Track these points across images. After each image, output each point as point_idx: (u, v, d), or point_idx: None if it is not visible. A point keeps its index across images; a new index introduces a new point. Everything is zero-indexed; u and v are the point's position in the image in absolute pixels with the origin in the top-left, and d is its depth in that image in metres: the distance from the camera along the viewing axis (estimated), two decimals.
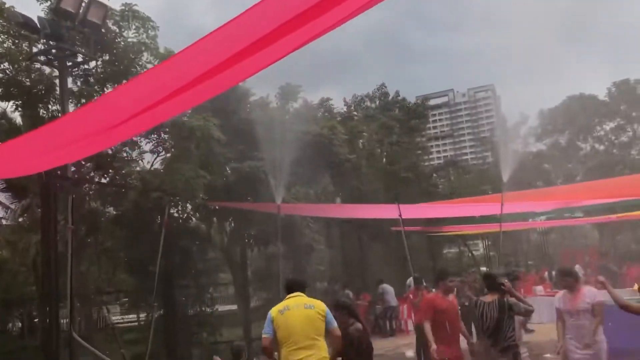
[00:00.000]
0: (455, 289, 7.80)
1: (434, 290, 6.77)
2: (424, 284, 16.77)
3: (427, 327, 6.19)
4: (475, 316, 5.52)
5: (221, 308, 17.85)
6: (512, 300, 5.46)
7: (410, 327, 16.11)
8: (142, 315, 15.78)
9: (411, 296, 12.30)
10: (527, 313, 5.80)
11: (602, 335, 6.38)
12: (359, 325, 5.96)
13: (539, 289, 18.90)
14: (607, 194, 11.88)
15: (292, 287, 5.52)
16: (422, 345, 10.44)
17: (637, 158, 29.52)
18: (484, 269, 36.45)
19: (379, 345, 15.04)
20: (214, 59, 3.67)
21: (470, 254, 36.74)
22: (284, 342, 5.23)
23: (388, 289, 17.32)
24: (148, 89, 4.19)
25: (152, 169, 11.90)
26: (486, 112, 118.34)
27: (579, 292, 6.44)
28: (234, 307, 18.47)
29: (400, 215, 11.43)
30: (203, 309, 15.53)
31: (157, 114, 4.33)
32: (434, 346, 6.03)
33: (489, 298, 5.54)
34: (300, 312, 5.24)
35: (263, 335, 5.42)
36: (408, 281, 17.19)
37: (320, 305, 5.29)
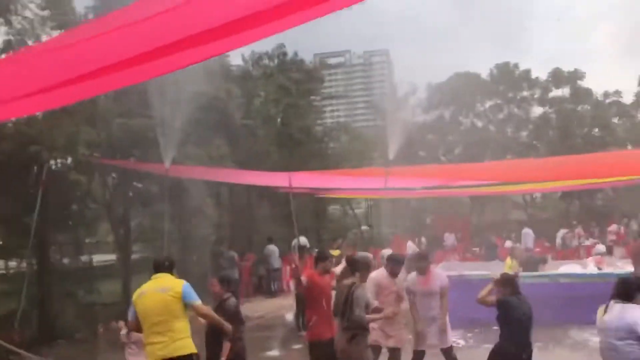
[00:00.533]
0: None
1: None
2: (308, 247, 17.25)
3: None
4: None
5: (99, 258, 17.38)
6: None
7: (293, 288, 16.68)
8: (13, 264, 14.91)
9: (294, 262, 12.65)
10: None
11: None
12: (233, 300, 6.22)
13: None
14: (483, 176, 12.82)
15: (156, 267, 5.41)
16: (300, 311, 10.88)
17: (509, 136, 31.93)
18: (365, 227, 38.39)
19: (261, 306, 15.44)
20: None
21: (353, 213, 38.27)
22: (142, 327, 5.27)
23: (273, 250, 17.64)
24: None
25: (29, 119, 11.02)
26: (380, 76, 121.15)
27: (430, 274, 6.97)
28: (113, 257, 17.91)
29: (290, 185, 11.59)
30: (78, 264, 15.06)
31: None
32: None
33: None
34: (153, 297, 5.19)
35: (128, 320, 5.56)
36: (293, 242, 17.67)
37: (176, 287, 5.19)
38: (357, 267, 5.99)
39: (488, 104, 32.97)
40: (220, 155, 14.43)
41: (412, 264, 7.37)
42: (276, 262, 17.63)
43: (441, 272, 7.47)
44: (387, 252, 20.41)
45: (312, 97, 26.61)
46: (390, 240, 27.60)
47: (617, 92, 31.02)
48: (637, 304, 4.59)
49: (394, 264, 6.96)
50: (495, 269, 13.59)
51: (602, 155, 18.32)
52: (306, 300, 6.62)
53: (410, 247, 20.65)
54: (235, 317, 6.01)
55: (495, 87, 32.09)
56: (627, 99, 30.71)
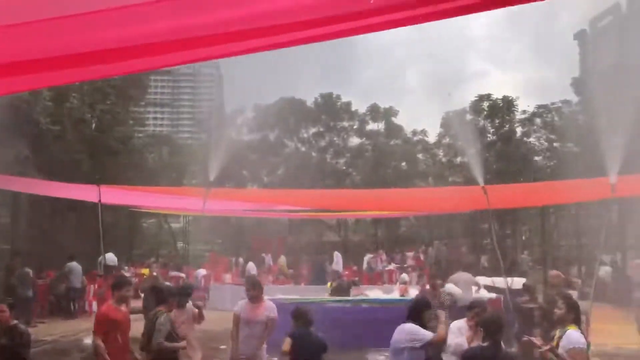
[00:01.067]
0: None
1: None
2: (116, 264, 16.14)
3: (99, 342, 5.93)
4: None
5: None
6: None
7: (95, 309, 15.50)
8: None
9: (96, 285, 11.79)
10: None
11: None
12: (21, 327, 5.76)
13: (228, 277, 20.03)
14: (301, 203, 13.22)
15: None
16: None
17: (329, 162, 33.53)
18: (181, 244, 37.37)
19: (57, 329, 14.05)
20: None
21: (168, 227, 37.03)
22: None
23: (74, 267, 16.29)
24: None
25: None
26: (208, 89, 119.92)
27: (261, 303, 6.89)
28: None
29: (99, 200, 10.82)
30: None
31: None
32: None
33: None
34: None
35: None
36: (100, 259, 16.48)
37: None
38: (162, 297, 5.69)
39: (311, 130, 34.39)
40: (20, 162, 12.95)
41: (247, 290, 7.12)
42: (77, 281, 16.26)
43: (271, 303, 7.26)
44: (201, 272, 20.19)
45: (133, 105, 25.39)
46: (207, 258, 27.24)
47: (423, 131, 34.44)
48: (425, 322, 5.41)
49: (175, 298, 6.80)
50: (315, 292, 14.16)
51: (404, 190, 20.13)
52: (94, 327, 6.17)
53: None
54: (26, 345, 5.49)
55: (318, 115, 33.64)
56: (431, 138, 34.27)
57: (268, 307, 6.91)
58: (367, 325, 10.22)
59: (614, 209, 14.76)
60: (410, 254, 26.90)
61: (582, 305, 8.77)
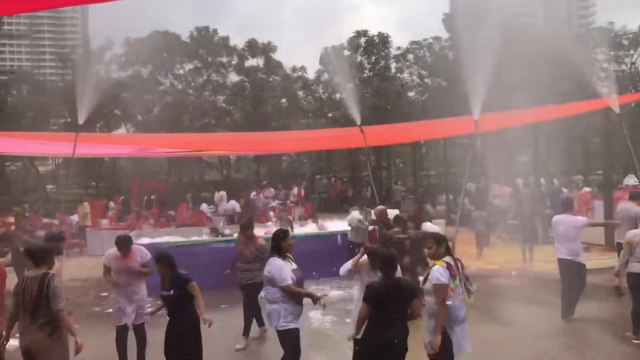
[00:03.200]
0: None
1: None
2: None
3: None
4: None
5: None
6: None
7: None
8: None
9: None
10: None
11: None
12: None
13: (105, 222, 19.20)
14: (179, 145, 12.86)
15: None
16: None
17: (207, 100, 32.58)
18: (51, 187, 35.04)
19: None
20: None
21: (36, 171, 34.54)
22: None
23: None
24: None
25: None
26: (71, 21, 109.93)
27: (131, 252, 6.93)
28: None
29: None
30: None
31: None
32: None
33: (33, 273, 5.11)
34: None
35: None
36: None
37: None
38: (44, 256, 5.24)
39: (188, 67, 33.00)
40: None
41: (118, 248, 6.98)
42: None
43: (142, 248, 7.27)
44: (75, 217, 19.17)
45: None
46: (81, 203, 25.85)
47: (303, 68, 34.38)
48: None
49: None
50: (189, 234, 14.00)
51: (285, 133, 20.31)
52: None
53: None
54: None
55: (195, 50, 32.25)
56: (311, 74, 34.35)
57: (139, 252, 7.02)
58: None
59: (477, 142, 15.98)
60: (295, 189, 27.37)
61: (449, 230, 9.59)
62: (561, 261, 8.49)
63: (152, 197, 24.60)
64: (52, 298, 4.93)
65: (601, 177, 19.90)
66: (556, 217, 8.75)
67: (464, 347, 5.35)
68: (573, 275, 8.45)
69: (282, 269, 5.56)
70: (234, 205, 20.78)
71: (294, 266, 5.73)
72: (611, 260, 9.68)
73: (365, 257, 6.13)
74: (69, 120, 28.87)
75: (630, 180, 21.77)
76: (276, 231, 5.92)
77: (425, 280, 5.42)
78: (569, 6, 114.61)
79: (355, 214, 11.76)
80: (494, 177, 19.94)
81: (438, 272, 5.27)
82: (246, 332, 7.87)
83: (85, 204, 16.45)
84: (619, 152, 19.44)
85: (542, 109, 13.98)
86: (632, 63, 30.20)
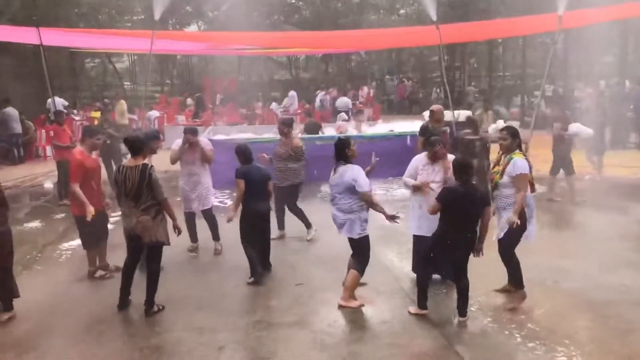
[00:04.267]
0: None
1: (81, 145, 6.61)
2: (65, 109, 15.79)
3: (77, 189, 6.19)
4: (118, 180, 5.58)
5: None
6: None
7: (50, 153, 15.42)
8: None
9: (51, 132, 11.60)
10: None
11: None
12: None
13: (181, 118, 19.92)
14: (249, 42, 12.86)
15: None
16: (62, 180, 10.29)
17: None
18: (127, 84, 36.27)
19: (10, 175, 14.04)
20: None
21: (113, 68, 35.72)
22: None
23: (11, 113, 15.82)
24: None
25: None
26: None
27: (196, 144, 7.37)
28: None
29: (41, 44, 10.29)
30: None
31: None
32: (90, 208, 6.14)
33: (131, 162, 5.55)
34: None
35: None
36: (48, 102, 16.02)
37: None
38: (141, 147, 5.64)
39: None
40: None
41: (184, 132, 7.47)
42: (17, 127, 15.88)
43: (204, 140, 7.76)
44: (154, 113, 19.98)
45: None
46: (157, 100, 26.75)
47: None
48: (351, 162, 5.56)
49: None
50: (262, 131, 14.36)
51: (355, 32, 19.68)
52: (70, 175, 6.34)
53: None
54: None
55: None
56: None
57: (202, 144, 7.49)
58: (321, 160, 10.65)
59: (559, 40, 15.06)
60: (364, 90, 27.07)
61: (523, 133, 9.43)
62: None
63: (223, 95, 25.08)
64: (156, 188, 5.42)
65: None
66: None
67: (532, 237, 5.60)
68: None
69: (363, 175, 5.49)
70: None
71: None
72: None
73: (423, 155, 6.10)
74: (142, 17, 29.20)
75: None
76: (338, 139, 5.75)
77: (502, 173, 5.47)
78: None
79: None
80: (575, 78, 18.92)
81: (521, 163, 5.41)
82: (280, 226, 8.12)
83: (122, 101, 16.65)
84: None
85: (632, 5, 12.84)
86: None
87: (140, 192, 5.41)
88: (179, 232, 5.74)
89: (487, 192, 5.67)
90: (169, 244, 5.69)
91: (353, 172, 5.45)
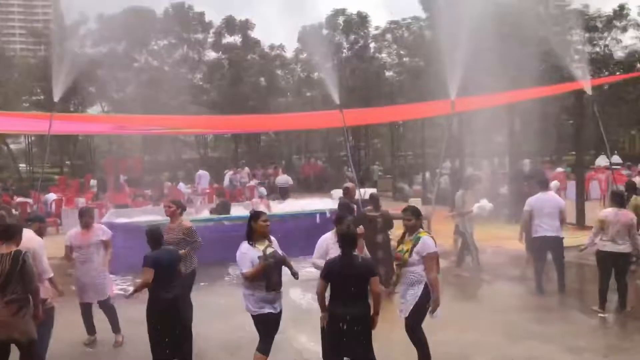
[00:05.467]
0: None
1: None
2: None
3: None
4: None
5: None
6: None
7: None
8: None
9: None
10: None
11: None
12: None
13: (82, 200, 18.99)
14: (154, 125, 12.76)
15: None
16: None
17: (183, 77, 32.18)
18: (23, 166, 34.40)
19: None
20: None
21: (7, 149, 33.88)
22: None
23: None
24: None
25: None
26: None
27: (92, 228, 7.13)
28: None
29: None
30: None
31: None
32: None
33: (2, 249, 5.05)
34: None
35: None
36: None
37: None
38: (14, 233, 5.22)
39: (162, 43, 32.48)
40: None
41: (79, 218, 7.14)
42: None
43: (102, 226, 7.45)
44: (51, 196, 18.92)
45: None
46: (56, 182, 25.46)
47: (281, 46, 34.18)
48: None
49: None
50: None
51: (264, 117, 20.27)
52: None
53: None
54: None
55: (170, 27, 31.71)
56: (289, 53, 34.15)
57: (99, 231, 7.19)
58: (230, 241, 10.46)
59: (454, 122, 16.19)
60: (271, 170, 27.37)
61: (425, 209, 9.79)
62: (544, 238, 8.69)
63: (126, 176, 24.34)
64: (28, 277, 4.98)
65: (574, 158, 20.31)
66: (539, 196, 8.90)
67: (438, 315, 5.67)
68: (556, 250, 8.80)
69: (243, 254, 5.42)
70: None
71: (271, 249, 5.50)
72: (582, 238, 9.94)
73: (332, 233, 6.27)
74: (41, 97, 28.31)
75: (602, 161, 22.22)
76: (250, 213, 5.81)
77: (411, 252, 5.58)
78: None
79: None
80: (470, 157, 20.20)
81: (430, 241, 5.60)
82: None
83: None
84: (592, 133, 19.84)
85: (517, 91, 14.20)
86: (606, 45, 30.61)
87: (8, 281, 4.94)
88: (39, 321, 5.21)
89: (372, 262, 5.74)
90: (32, 341, 5.11)
91: (238, 250, 5.47)
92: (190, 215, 12.85)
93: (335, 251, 5.85)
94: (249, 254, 5.40)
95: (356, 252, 5.21)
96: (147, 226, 6.67)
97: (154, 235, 6.06)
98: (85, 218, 7.12)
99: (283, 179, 23.54)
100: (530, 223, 8.83)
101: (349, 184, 10.07)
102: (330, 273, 5.08)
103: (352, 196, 9.72)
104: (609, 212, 7.83)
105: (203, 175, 22.99)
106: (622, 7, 29.44)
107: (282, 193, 22.24)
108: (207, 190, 21.16)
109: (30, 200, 16.95)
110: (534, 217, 8.78)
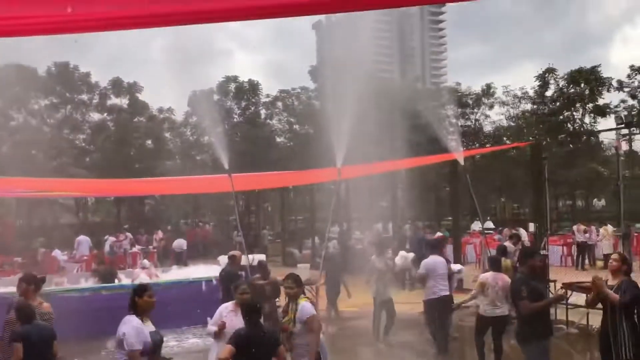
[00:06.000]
0: None
1: None
2: None
3: None
4: None
5: None
6: None
7: None
8: None
9: None
10: None
11: None
12: None
13: None
14: (29, 187, 11.97)
15: None
16: None
17: (65, 138, 30.68)
18: None
19: None
20: None
21: None
22: None
23: None
24: None
25: None
26: None
27: None
28: None
29: None
30: None
31: None
32: None
33: None
34: None
35: None
36: None
37: None
38: None
39: (44, 102, 30.98)
40: None
41: None
42: None
43: None
44: None
45: None
46: None
47: (170, 109, 33.85)
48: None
49: None
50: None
51: (151, 180, 19.84)
52: None
53: None
54: None
55: (53, 86, 30.36)
56: (179, 116, 33.87)
57: None
58: (108, 312, 9.85)
59: (341, 188, 16.74)
60: (160, 233, 26.39)
61: (313, 274, 9.86)
62: (441, 299, 8.81)
63: None
64: None
65: (451, 222, 21.62)
66: (432, 259, 9.15)
67: None
68: (447, 311, 9.01)
69: (138, 330, 4.86)
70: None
71: (152, 327, 5.07)
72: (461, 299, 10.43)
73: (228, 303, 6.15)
74: None
75: (477, 226, 23.80)
76: (134, 287, 5.34)
77: (294, 320, 5.55)
78: (423, 65, 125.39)
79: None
80: (356, 221, 20.86)
81: (308, 305, 5.61)
82: None
83: None
84: (466, 199, 21.33)
85: (398, 161, 15.07)
86: (476, 120, 33.57)
87: None
88: None
89: (276, 332, 5.69)
90: None
91: (125, 325, 4.86)
92: (62, 285, 12.03)
93: (229, 319, 5.78)
94: (144, 331, 4.88)
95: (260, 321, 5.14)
96: (15, 299, 6.13)
97: (22, 309, 5.60)
98: None
99: (178, 243, 23.10)
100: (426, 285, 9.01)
101: (235, 252, 9.88)
102: (239, 343, 4.93)
103: (238, 264, 9.58)
104: (488, 275, 8.29)
105: (83, 240, 21.58)
106: (489, 86, 32.63)
107: (178, 258, 21.57)
108: (85, 257, 19.90)
109: None
110: (429, 278, 9.00)
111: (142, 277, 13.02)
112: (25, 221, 30.27)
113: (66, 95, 31.11)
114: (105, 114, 32.00)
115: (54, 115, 31.16)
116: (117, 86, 31.97)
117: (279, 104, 34.02)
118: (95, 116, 32.24)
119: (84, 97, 31.75)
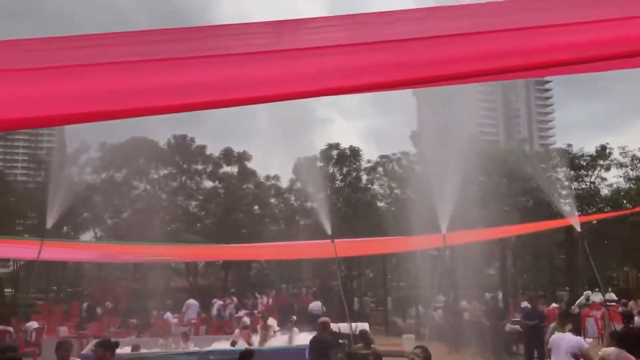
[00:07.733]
0: None
1: None
2: None
3: None
4: None
5: None
6: None
7: None
8: None
9: None
10: None
11: None
12: None
13: (64, 329, 18.35)
14: (142, 254, 12.70)
15: None
16: None
17: (179, 204, 32.65)
18: (9, 290, 33.56)
19: None
20: None
21: None
22: None
23: None
24: None
25: None
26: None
27: None
28: None
29: None
30: None
31: None
32: None
33: None
34: None
35: None
36: None
37: None
38: None
39: (162, 172, 33.44)
40: None
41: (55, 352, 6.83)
42: None
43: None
44: (33, 324, 18.32)
45: None
46: (38, 308, 24.76)
47: (276, 176, 35.31)
48: None
49: None
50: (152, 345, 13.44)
51: (256, 246, 20.41)
52: None
53: None
54: None
55: (171, 157, 32.86)
56: (284, 182, 35.15)
57: None
58: None
59: (446, 255, 16.20)
60: (261, 299, 26.81)
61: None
62: None
63: (112, 304, 23.77)
64: None
65: (567, 293, 20.07)
66: (558, 335, 8.50)
67: None
68: None
69: None
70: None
71: None
72: None
73: None
74: (35, 222, 28.45)
75: (597, 297, 21.92)
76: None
77: None
78: (529, 127, 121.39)
79: None
80: (462, 290, 19.99)
81: None
82: None
83: None
84: (584, 268, 19.80)
85: (508, 227, 14.43)
86: (592, 182, 31.58)
87: None
88: None
89: None
90: None
91: None
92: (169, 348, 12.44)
93: None
94: None
95: None
96: None
97: None
98: (60, 352, 6.77)
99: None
100: None
101: (325, 319, 9.68)
102: None
103: (328, 330, 9.32)
104: (610, 351, 7.56)
105: (192, 304, 22.33)
106: (603, 147, 30.78)
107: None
108: (194, 321, 20.52)
109: (10, 329, 16.33)
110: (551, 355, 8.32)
111: (241, 341, 13.15)
112: (141, 284, 32.01)
113: (183, 165, 33.41)
114: (217, 182, 33.80)
115: (171, 184, 33.39)
116: (228, 156, 33.87)
117: (380, 169, 34.19)
118: (208, 184, 34.15)
119: (199, 167, 33.89)
